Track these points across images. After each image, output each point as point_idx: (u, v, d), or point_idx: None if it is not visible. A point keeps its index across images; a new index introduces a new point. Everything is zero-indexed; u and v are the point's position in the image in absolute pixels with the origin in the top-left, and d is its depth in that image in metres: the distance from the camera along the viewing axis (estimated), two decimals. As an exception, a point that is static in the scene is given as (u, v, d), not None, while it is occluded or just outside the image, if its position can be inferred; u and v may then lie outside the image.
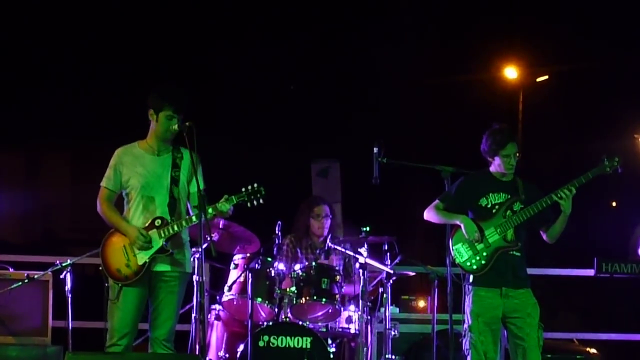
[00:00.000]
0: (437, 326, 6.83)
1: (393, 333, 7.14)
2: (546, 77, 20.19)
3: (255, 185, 5.85)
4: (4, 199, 17.84)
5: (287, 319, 7.02)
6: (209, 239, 5.72)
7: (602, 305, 17.27)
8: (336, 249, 7.40)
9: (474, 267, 6.11)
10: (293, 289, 6.99)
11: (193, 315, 6.74)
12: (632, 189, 12.85)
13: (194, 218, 5.81)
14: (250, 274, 6.83)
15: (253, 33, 17.45)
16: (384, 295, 7.09)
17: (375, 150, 6.30)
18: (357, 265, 7.03)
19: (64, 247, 17.36)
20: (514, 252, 6.12)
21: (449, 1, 18.21)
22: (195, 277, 6.35)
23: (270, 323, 6.96)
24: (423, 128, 18.41)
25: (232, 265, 7.17)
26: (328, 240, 7.47)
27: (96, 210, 5.96)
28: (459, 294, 6.15)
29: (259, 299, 6.94)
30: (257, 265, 6.97)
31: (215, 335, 7.22)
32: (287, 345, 6.81)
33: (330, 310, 7.02)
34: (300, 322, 6.99)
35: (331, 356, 6.83)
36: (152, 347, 5.86)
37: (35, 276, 7.00)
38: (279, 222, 7.18)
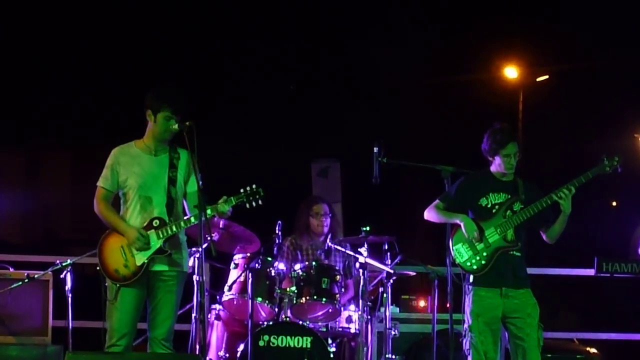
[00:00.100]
0: (437, 326, 6.84)
1: (393, 333, 7.14)
2: (546, 77, 20.18)
3: (254, 186, 5.84)
4: (4, 199, 17.82)
5: (287, 319, 7.01)
6: (209, 238, 5.71)
7: (602, 305, 17.24)
8: (337, 248, 7.41)
9: (474, 267, 6.10)
10: (293, 288, 6.99)
11: (193, 315, 6.73)
12: (632, 189, 12.85)
13: (192, 219, 5.80)
14: (250, 274, 6.83)
15: (253, 33, 17.44)
16: (384, 295, 7.09)
17: (375, 150, 6.30)
18: (357, 264, 7.04)
19: (64, 247, 17.34)
20: (514, 252, 6.12)
21: (449, 1, 18.19)
22: (195, 277, 6.36)
23: (271, 323, 6.96)
24: (423, 128, 18.37)
25: (232, 265, 7.17)
26: (328, 240, 7.47)
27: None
28: (459, 294, 6.15)
29: (259, 299, 6.94)
30: (257, 265, 6.96)
31: (216, 335, 7.22)
32: (287, 345, 6.81)
33: (330, 310, 7.02)
34: (301, 322, 6.99)
35: (331, 356, 6.83)
36: (151, 346, 5.86)
37: (36, 276, 7.01)
38: (279, 222, 7.18)
